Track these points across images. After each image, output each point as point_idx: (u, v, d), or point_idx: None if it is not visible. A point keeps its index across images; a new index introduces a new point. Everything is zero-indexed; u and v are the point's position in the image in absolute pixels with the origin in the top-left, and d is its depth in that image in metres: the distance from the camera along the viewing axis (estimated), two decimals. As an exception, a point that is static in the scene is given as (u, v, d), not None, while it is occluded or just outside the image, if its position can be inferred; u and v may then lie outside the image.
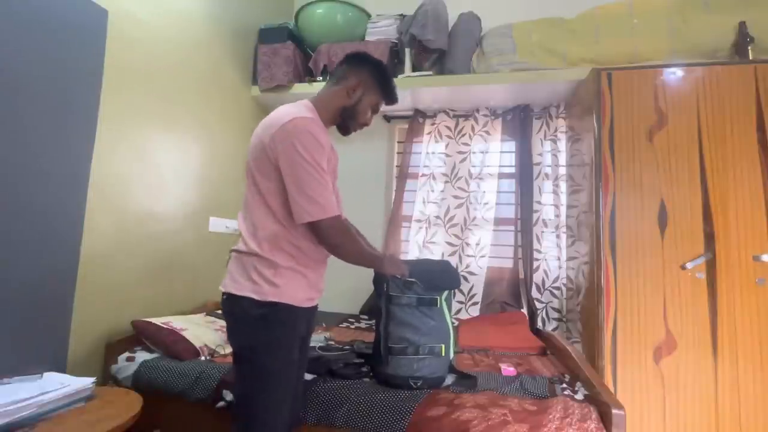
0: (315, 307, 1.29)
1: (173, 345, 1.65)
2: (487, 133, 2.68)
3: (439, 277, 1.54)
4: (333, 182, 1.24)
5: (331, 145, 1.20)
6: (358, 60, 1.26)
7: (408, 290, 1.46)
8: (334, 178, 1.28)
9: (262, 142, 1.13)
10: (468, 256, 2.61)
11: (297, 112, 1.13)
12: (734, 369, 1.71)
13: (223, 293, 1.17)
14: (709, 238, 1.79)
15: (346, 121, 1.27)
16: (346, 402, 1.38)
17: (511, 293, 2.52)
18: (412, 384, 1.44)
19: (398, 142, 2.95)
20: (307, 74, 2.70)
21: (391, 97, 1.29)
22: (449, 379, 1.53)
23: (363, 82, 1.23)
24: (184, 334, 1.71)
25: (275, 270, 1.12)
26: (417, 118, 2.79)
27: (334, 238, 1.14)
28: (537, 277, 2.50)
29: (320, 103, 1.23)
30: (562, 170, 2.56)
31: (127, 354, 1.65)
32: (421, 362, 1.45)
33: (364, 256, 1.27)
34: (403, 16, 2.64)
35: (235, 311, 1.14)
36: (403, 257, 2.66)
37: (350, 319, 2.50)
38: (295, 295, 1.14)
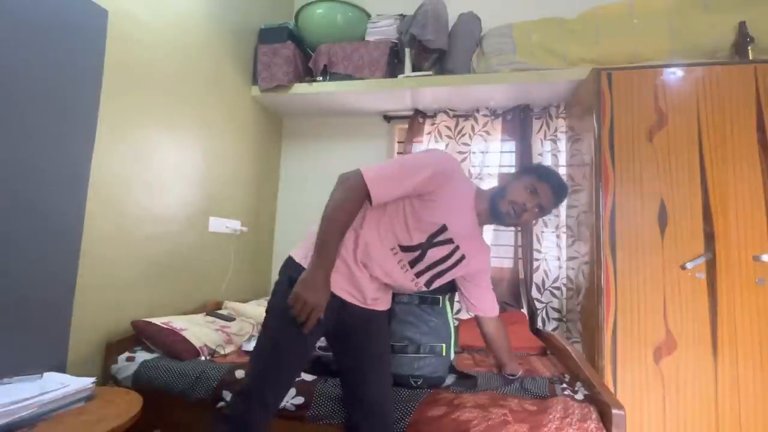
0: (359, 308, 1.22)
1: (173, 345, 1.65)
2: (487, 133, 2.68)
3: None
4: (474, 274, 1.37)
5: (464, 217, 1.23)
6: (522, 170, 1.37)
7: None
8: (476, 271, 1.38)
9: None
10: (468, 256, 2.60)
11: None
12: (734, 369, 1.71)
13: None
14: (709, 238, 1.79)
15: (495, 202, 1.26)
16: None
17: (511, 293, 2.52)
18: (412, 383, 1.44)
19: (398, 142, 2.95)
20: (307, 74, 2.70)
21: (541, 171, 1.29)
22: (449, 379, 1.53)
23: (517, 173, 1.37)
24: (184, 334, 1.71)
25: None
26: (417, 118, 2.79)
27: (338, 183, 1.14)
28: (537, 277, 2.50)
29: (481, 192, 1.32)
30: (562, 170, 2.55)
31: (127, 354, 1.65)
32: (421, 361, 1.45)
33: (326, 226, 1.10)
34: (403, 16, 2.64)
35: (280, 272, 1.23)
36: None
37: (350, 319, 2.50)
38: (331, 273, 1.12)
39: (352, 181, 1.12)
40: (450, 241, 1.22)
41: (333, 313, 1.16)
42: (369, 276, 1.20)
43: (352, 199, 1.11)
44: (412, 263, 1.22)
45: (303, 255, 1.18)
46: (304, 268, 1.11)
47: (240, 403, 1.16)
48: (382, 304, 1.30)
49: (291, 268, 1.19)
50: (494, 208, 1.23)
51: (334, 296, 1.14)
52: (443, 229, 1.20)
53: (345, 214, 1.11)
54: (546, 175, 1.25)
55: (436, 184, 1.16)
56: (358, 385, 1.25)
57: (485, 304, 1.44)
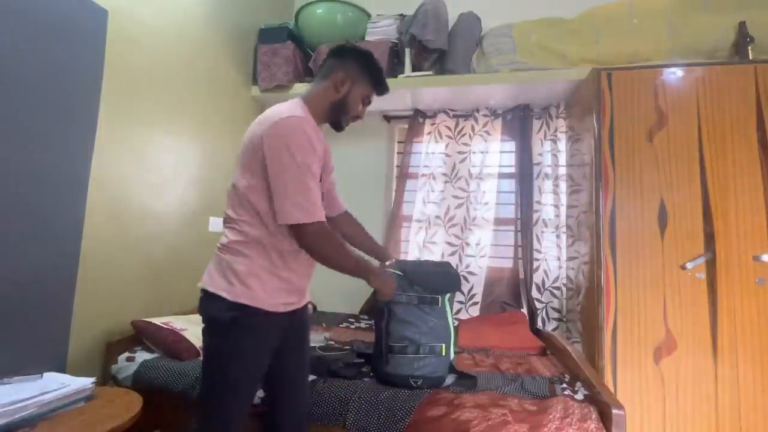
0: (299, 311, 1.23)
1: (173, 345, 1.65)
2: (487, 133, 2.68)
3: (438, 280, 1.53)
4: (326, 177, 1.21)
5: (322, 141, 1.17)
6: (343, 52, 1.23)
7: (409, 289, 1.46)
8: (328, 172, 1.25)
9: (252, 140, 1.11)
10: (468, 256, 2.60)
11: (289, 111, 1.10)
12: (734, 369, 1.71)
13: (201, 289, 1.14)
14: (709, 238, 1.79)
15: (337, 116, 1.23)
16: (346, 402, 1.38)
17: (511, 293, 2.52)
18: (412, 383, 1.44)
19: (398, 142, 2.95)
20: (307, 74, 2.70)
21: (380, 87, 1.25)
22: (449, 379, 1.53)
23: (350, 74, 1.20)
24: (184, 334, 1.71)
25: (249, 269, 1.09)
26: (417, 118, 2.79)
27: (316, 244, 1.10)
28: (537, 277, 2.50)
29: (311, 100, 1.21)
30: (562, 170, 2.56)
31: (127, 354, 1.65)
32: (421, 361, 1.45)
33: (349, 265, 1.17)
34: (403, 16, 2.64)
35: (207, 309, 1.12)
36: (403, 257, 2.66)
37: (350, 319, 2.50)
38: (268, 299, 1.10)
39: (315, 236, 1.09)
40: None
41: (286, 329, 1.18)
42: (297, 269, 1.17)
43: (326, 241, 1.12)
44: None
45: (224, 288, 1.10)
46: (234, 304, 1.07)
47: None
48: (306, 295, 1.28)
49: (217, 304, 1.10)
50: (337, 123, 1.25)
51: (283, 314, 1.15)
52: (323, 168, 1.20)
53: (334, 252, 1.14)
54: (385, 88, 1.25)
55: (319, 157, 1.13)
56: (303, 380, 1.28)
57: (335, 203, 1.43)
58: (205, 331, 1.14)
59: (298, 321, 1.24)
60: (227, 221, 1.16)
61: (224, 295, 1.08)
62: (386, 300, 1.31)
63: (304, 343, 1.30)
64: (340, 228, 1.45)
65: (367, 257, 1.39)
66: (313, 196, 1.07)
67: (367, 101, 1.25)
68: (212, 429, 1.10)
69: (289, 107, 1.14)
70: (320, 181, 1.16)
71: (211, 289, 1.10)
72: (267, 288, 1.11)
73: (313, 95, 1.22)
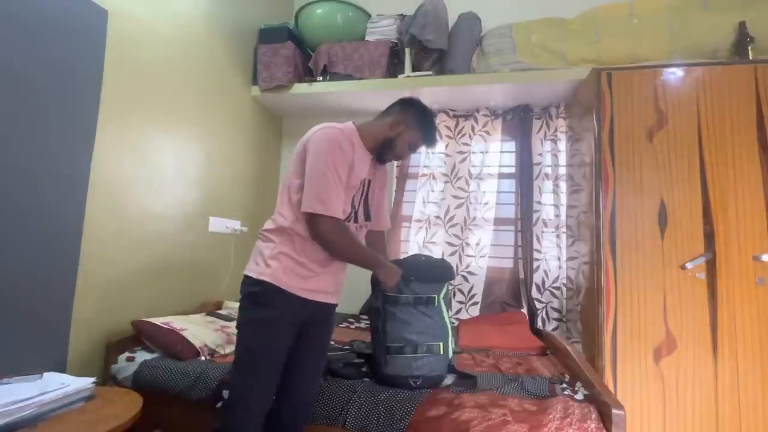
0: (324, 308, 1.33)
1: (173, 345, 1.65)
2: (487, 133, 2.69)
3: (429, 270, 1.54)
4: (356, 194, 1.34)
5: (362, 157, 1.32)
6: (408, 102, 1.41)
7: (405, 288, 1.46)
8: (362, 192, 1.38)
9: (301, 143, 1.27)
10: (468, 256, 2.61)
11: (334, 124, 1.28)
12: (734, 369, 1.71)
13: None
14: (709, 238, 1.79)
15: (384, 150, 1.37)
16: (346, 402, 1.38)
17: (511, 293, 2.52)
18: (411, 383, 1.44)
19: (398, 142, 2.95)
20: (307, 74, 2.70)
21: (429, 140, 1.42)
22: (449, 379, 1.53)
23: (406, 120, 1.37)
24: (184, 334, 1.71)
25: (272, 252, 1.23)
26: (417, 118, 2.78)
27: (328, 234, 1.21)
28: (537, 277, 2.50)
29: (366, 129, 1.37)
30: (562, 170, 2.56)
31: (127, 354, 1.65)
32: (419, 361, 1.45)
33: (358, 256, 1.32)
34: (403, 16, 2.64)
35: (241, 290, 1.27)
36: (402, 257, 2.66)
37: (350, 319, 2.50)
38: (285, 279, 1.21)
39: (327, 228, 1.21)
40: (362, 182, 1.37)
41: (308, 316, 1.28)
42: (322, 263, 1.28)
43: (337, 233, 1.23)
44: (353, 218, 1.36)
45: (252, 268, 1.26)
46: (255, 281, 1.22)
47: (229, 415, 1.21)
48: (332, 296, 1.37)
49: (245, 282, 1.27)
50: (381, 156, 1.39)
51: (304, 300, 1.24)
52: (362, 183, 1.36)
53: (345, 244, 1.26)
54: (432, 142, 1.43)
55: (350, 167, 1.27)
56: (311, 377, 1.35)
57: (381, 220, 1.54)
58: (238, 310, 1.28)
59: (323, 317, 1.36)
60: (273, 215, 1.31)
61: (251, 274, 1.24)
62: (388, 288, 1.41)
63: (323, 340, 1.39)
64: (368, 239, 1.53)
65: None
66: (333, 193, 1.20)
67: (414, 147, 1.42)
68: (236, 399, 1.21)
69: (338, 124, 1.31)
70: (351, 187, 1.30)
71: (245, 272, 1.27)
72: (285, 268, 1.22)
73: (370, 126, 1.39)
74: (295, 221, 1.24)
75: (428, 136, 1.41)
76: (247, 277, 1.26)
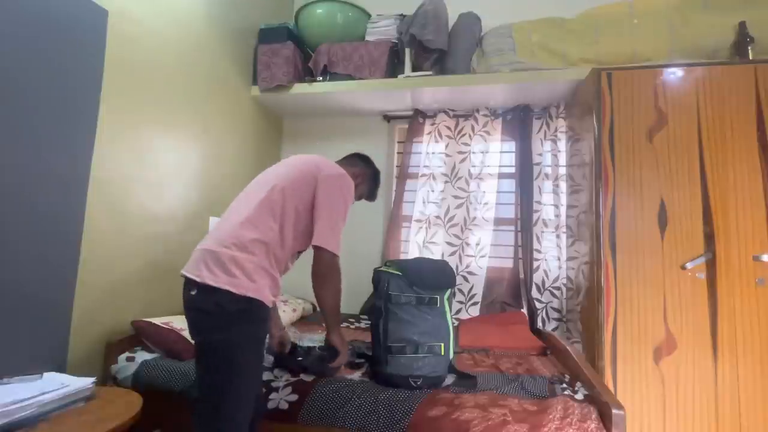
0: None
1: (173, 345, 1.65)
2: (487, 133, 2.69)
3: (432, 277, 1.54)
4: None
5: None
6: (368, 159, 1.67)
7: (407, 289, 1.46)
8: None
9: (311, 173, 1.36)
10: (468, 256, 2.61)
11: (342, 171, 1.43)
12: (734, 369, 1.71)
13: (196, 284, 1.19)
14: (709, 238, 1.79)
15: None
16: (346, 402, 1.38)
17: (511, 293, 2.53)
18: (412, 383, 1.44)
19: (398, 142, 2.95)
20: (307, 74, 2.70)
21: (373, 197, 1.70)
22: (449, 379, 1.53)
23: (365, 175, 1.63)
24: (184, 334, 1.70)
25: (255, 266, 1.22)
26: (417, 118, 2.79)
27: (327, 269, 1.33)
28: (537, 277, 2.50)
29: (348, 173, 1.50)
30: (562, 170, 2.56)
31: (127, 354, 1.64)
32: (420, 361, 1.45)
33: (336, 301, 1.40)
34: (403, 16, 2.64)
35: (209, 304, 1.17)
36: (402, 257, 2.67)
37: (350, 319, 2.50)
38: (269, 296, 1.25)
39: (331, 263, 1.34)
40: None
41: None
42: (281, 272, 1.35)
43: (335, 272, 1.36)
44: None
45: (229, 282, 1.18)
46: (240, 297, 1.17)
47: None
48: None
49: (223, 298, 1.18)
50: (369, 197, 1.67)
51: (267, 307, 1.26)
52: None
53: (335, 283, 1.38)
54: (374, 198, 1.71)
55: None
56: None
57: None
58: (204, 325, 1.20)
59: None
60: (241, 224, 1.26)
61: (233, 290, 1.17)
62: (336, 365, 1.50)
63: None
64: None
65: None
66: (340, 233, 1.36)
67: (359, 198, 1.64)
68: (231, 425, 1.17)
69: (340, 166, 1.47)
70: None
71: (223, 286, 1.17)
72: (269, 285, 1.25)
73: (348, 170, 1.51)
74: (276, 236, 1.28)
75: (374, 194, 1.68)
76: (229, 292, 1.16)
